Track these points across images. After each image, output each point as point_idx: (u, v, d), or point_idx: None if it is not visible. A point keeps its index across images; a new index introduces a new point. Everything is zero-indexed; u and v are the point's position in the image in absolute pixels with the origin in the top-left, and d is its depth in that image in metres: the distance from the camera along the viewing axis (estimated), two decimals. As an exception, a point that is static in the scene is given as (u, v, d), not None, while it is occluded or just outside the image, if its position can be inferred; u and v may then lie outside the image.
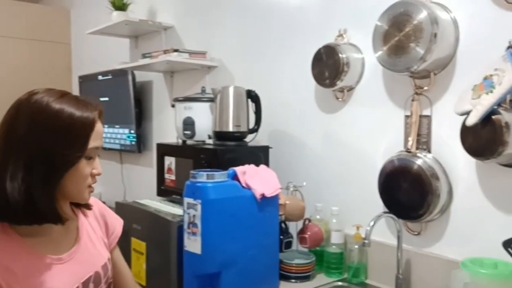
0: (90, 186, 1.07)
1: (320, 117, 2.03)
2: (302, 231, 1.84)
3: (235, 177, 1.67)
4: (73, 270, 1.08)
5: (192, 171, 1.58)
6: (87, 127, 1.03)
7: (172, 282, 1.59)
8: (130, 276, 1.34)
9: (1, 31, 3.88)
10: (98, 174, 1.09)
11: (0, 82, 3.89)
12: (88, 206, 1.18)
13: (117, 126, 3.36)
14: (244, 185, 1.65)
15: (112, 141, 3.45)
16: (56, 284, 1.03)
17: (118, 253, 1.32)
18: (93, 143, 1.04)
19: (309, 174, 2.05)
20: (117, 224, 1.30)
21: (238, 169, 1.69)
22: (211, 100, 2.12)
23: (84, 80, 3.79)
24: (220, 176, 1.60)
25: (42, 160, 0.98)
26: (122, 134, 3.31)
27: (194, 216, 1.53)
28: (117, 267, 1.29)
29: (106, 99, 3.49)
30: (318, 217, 1.89)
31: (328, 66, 1.88)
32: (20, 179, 0.96)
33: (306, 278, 1.77)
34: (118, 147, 3.37)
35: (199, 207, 1.51)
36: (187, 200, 1.55)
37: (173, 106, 2.30)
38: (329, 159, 1.99)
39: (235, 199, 1.59)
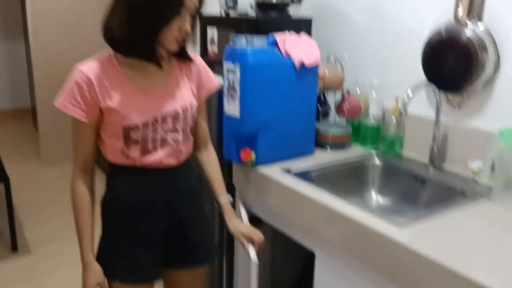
0: (178, 41, 1.22)
1: (368, -14, 1.93)
2: (340, 103, 1.85)
3: (275, 44, 1.67)
4: (155, 103, 1.27)
5: (232, 36, 1.59)
6: None
7: (213, 143, 1.68)
8: (204, 128, 1.50)
9: None
10: (186, 32, 1.22)
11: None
12: (187, 58, 1.36)
13: None
14: (283, 53, 1.65)
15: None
16: (139, 107, 1.25)
17: (203, 106, 1.46)
18: (188, 1, 1.18)
19: (352, 47, 2.00)
20: (211, 82, 1.44)
21: (279, 37, 1.67)
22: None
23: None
24: (259, 41, 1.60)
25: (144, 10, 1.16)
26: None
27: (233, 80, 1.57)
28: (197, 116, 1.44)
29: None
30: (358, 89, 1.88)
31: None
32: (125, 22, 1.18)
33: (341, 147, 1.82)
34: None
35: (238, 71, 1.54)
36: (226, 64, 1.57)
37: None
38: (373, 32, 1.92)
39: (273, 65, 1.60)
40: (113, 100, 1.23)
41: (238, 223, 1.49)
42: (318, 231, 1.39)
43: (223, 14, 2.22)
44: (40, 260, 2.82)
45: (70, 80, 1.23)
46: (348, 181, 1.70)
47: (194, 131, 1.46)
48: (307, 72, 1.67)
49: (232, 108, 1.60)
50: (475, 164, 1.46)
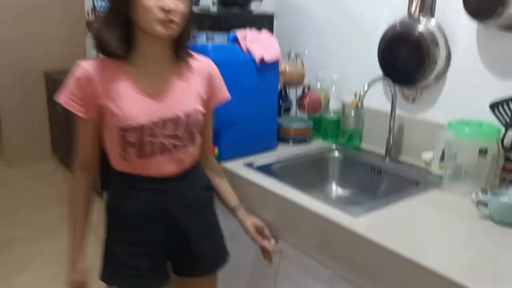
0: (162, 22, 1.12)
1: (326, -17, 1.97)
2: (301, 98, 1.89)
3: (236, 41, 1.69)
4: (156, 106, 1.21)
5: (193, 32, 1.60)
6: None
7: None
8: (208, 135, 1.44)
9: None
10: (163, 7, 1.11)
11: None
12: (187, 55, 1.28)
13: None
14: (244, 49, 1.67)
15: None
16: (137, 109, 1.19)
17: (210, 116, 1.41)
18: None
19: (312, 43, 2.05)
20: (223, 93, 1.39)
21: (239, 33, 1.70)
22: (216, -36, 2.05)
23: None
24: (220, 38, 1.62)
25: None
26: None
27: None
28: (204, 123, 1.37)
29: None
30: (318, 84, 1.93)
31: None
32: (104, 19, 1.18)
33: (303, 141, 1.86)
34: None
35: (199, 68, 1.55)
36: (188, 62, 1.58)
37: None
38: (333, 27, 1.98)
39: (234, 62, 1.63)
40: (111, 99, 1.19)
41: (256, 220, 1.45)
42: (279, 223, 1.43)
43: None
44: (9, 260, 2.78)
45: (71, 76, 1.20)
46: (309, 174, 1.74)
47: (203, 138, 1.40)
48: (268, 68, 1.70)
49: (194, 104, 1.61)
50: (427, 155, 1.53)
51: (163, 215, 1.29)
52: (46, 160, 4.36)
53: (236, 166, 1.60)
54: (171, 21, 1.14)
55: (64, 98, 1.20)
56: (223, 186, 1.47)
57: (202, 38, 1.59)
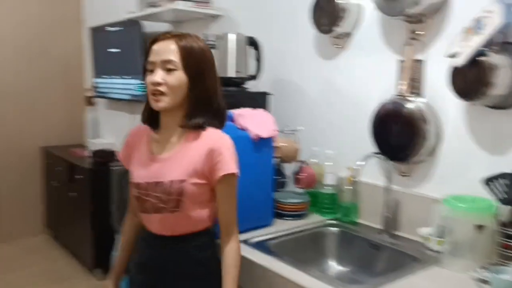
0: (154, 95, 1.30)
1: (318, 63, 2.07)
2: (297, 173, 1.92)
3: (232, 119, 1.74)
4: (153, 169, 1.37)
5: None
6: (148, 46, 1.34)
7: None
8: (223, 213, 1.39)
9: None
10: (151, 82, 1.30)
11: (11, 33, 3.98)
12: (193, 127, 1.35)
13: (127, 77, 3.42)
14: (240, 126, 1.72)
15: (123, 91, 3.52)
16: (141, 169, 1.40)
17: (220, 190, 1.37)
18: (148, 58, 1.33)
19: (307, 119, 2.11)
20: (225, 168, 1.33)
21: (235, 112, 1.76)
22: (213, 47, 2.16)
23: (95, 31, 3.84)
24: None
25: None
26: (132, 85, 3.37)
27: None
28: (216, 201, 1.39)
29: (117, 50, 3.55)
30: (313, 160, 1.96)
31: (327, 12, 1.91)
32: None
33: (299, 216, 1.86)
34: (128, 97, 3.44)
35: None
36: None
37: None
38: (326, 105, 2.05)
39: (231, 139, 1.66)
40: (132, 158, 1.45)
41: None
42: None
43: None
44: None
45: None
46: (306, 249, 1.72)
47: (218, 215, 1.40)
48: (263, 144, 1.73)
49: (191, 181, 1.63)
50: (424, 230, 1.53)
51: (149, 272, 1.42)
52: (39, 235, 4.29)
53: (233, 243, 1.58)
54: (160, 93, 1.29)
55: (120, 152, 1.51)
56: (224, 274, 1.35)
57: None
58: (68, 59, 4.32)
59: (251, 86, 2.18)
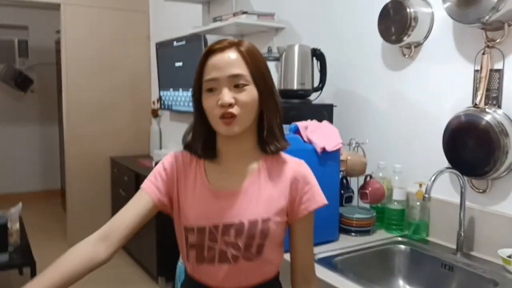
0: (223, 117, 1.04)
1: (385, 74, 2.01)
2: (363, 187, 1.86)
3: (297, 131, 1.73)
4: (220, 208, 1.09)
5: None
6: (201, 61, 1.10)
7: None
8: (303, 258, 1.18)
9: (86, 1, 4.16)
10: (222, 104, 1.04)
11: (85, 48, 4.21)
12: (272, 152, 1.12)
13: (190, 90, 3.50)
14: (305, 139, 1.70)
15: (186, 104, 3.62)
16: (201, 209, 1.09)
17: (303, 226, 1.16)
18: (206, 75, 1.07)
19: (373, 132, 2.05)
20: (313, 201, 1.14)
21: (300, 124, 1.74)
22: (277, 59, 2.16)
23: (161, 46, 3.98)
24: (282, 129, 1.65)
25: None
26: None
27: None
28: (293, 237, 1.17)
29: (181, 64, 3.65)
30: (380, 174, 1.90)
31: (395, 22, 1.84)
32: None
33: (366, 232, 1.80)
34: (191, 109, 3.52)
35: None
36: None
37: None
38: (394, 117, 1.98)
39: (295, 152, 1.63)
40: (181, 195, 1.13)
41: None
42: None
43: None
44: None
45: (160, 162, 1.17)
46: (373, 267, 1.66)
47: (292, 258, 1.18)
48: (329, 157, 1.70)
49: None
50: (505, 252, 1.42)
51: None
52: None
53: (298, 258, 1.55)
54: (231, 115, 1.04)
55: (146, 182, 1.14)
56: None
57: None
58: (136, 72, 4.51)
59: (314, 98, 2.15)
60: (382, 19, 1.91)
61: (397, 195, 1.83)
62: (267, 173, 1.13)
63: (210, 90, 1.06)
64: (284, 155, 1.17)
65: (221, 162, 1.14)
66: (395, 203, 1.83)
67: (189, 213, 1.10)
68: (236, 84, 1.05)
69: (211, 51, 1.08)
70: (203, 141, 1.13)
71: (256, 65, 1.08)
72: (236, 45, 1.08)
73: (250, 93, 1.06)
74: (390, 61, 1.99)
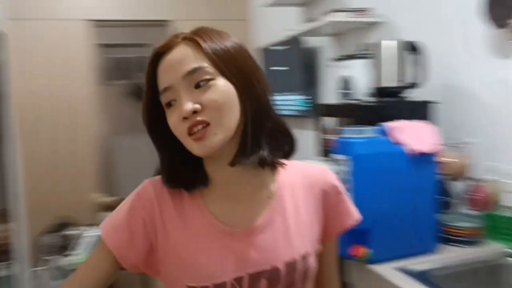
0: (191, 133, 0.77)
1: (491, 64, 1.77)
2: (468, 192, 1.66)
3: (387, 133, 1.60)
4: (241, 252, 0.80)
5: (341, 128, 1.58)
6: (147, 72, 0.83)
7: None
8: (331, 278, 0.98)
9: (184, 15, 4.36)
10: (182, 115, 0.77)
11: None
12: (275, 165, 0.85)
13: (291, 93, 3.49)
14: (395, 141, 1.57)
15: (287, 107, 3.60)
16: (214, 257, 0.80)
17: (328, 249, 0.96)
18: (160, 87, 0.81)
19: (480, 130, 1.82)
20: (347, 216, 0.94)
21: (389, 125, 1.61)
22: (369, 56, 2.04)
23: (263, 52, 4.02)
24: (369, 131, 1.56)
25: None
26: (296, 101, 3.42)
27: (344, 173, 1.53)
28: (321, 262, 0.93)
29: (286, 68, 3.66)
30: (488, 177, 1.68)
31: (503, 4, 1.62)
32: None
33: (471, 243, 1.60)
34: (294, 113, 3.50)
35: (348, 163, 1.50)
36: (337, 157, 1.55)
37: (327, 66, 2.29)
38: (505, 112, 1.73)
39: (385, 155, 1.53)
40: (175, 240, 0.81)
41: None
42: None
43: (340, 102, 2.24)
44: None
45: (129, 197, 0.85)
46: (481, 284, 1.47)
47: (317, 281, 0.94)
48: (423, 159, 1.55)
49: (342, 200, 1.54)
50: None
51: None
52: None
53: (386, 270, 1.43)
54: (201, 124, 0.77)
55: (106, 224, 0.84)
56: None
57: (351, 132, 1.54)
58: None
59: (413, 95, 1.98)
60: (490, 2, 1.69)
61: (510, 200, 1.60)
62: (290, 193, 0.87)
63: (169, 104, 0.79)
64: (299, 163, 0.93)
65: (216, 190, 0.84)
66: (508, 210, 1.60)
67: (196, 265, 0.79)
68: (196, 83, 0.78)
69: (161, 52, 0.81)
70: (184, 170, 0.83)
71: (221, 49, 0.80)
72: (185, 36, 0.82)
73: (219, 87, 0.78)
74: (496, 48, 1.75)
